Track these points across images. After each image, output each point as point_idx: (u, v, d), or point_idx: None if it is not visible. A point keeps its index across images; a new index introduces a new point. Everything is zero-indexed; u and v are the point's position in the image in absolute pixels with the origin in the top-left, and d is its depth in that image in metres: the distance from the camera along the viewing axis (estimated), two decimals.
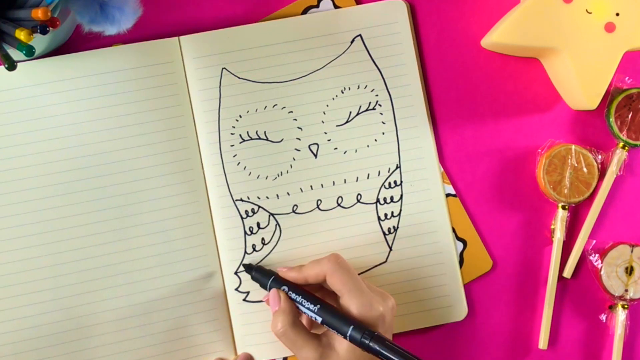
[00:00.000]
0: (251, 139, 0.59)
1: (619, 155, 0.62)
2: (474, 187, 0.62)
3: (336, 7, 0.61)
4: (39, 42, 0.54)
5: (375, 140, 0.60)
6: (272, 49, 0.60)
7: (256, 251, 0.59)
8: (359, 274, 0.55)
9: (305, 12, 0.61)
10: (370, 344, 0.49)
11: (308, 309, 0.53)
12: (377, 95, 0.60)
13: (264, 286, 0.56)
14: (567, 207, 0.61)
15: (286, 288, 0.54)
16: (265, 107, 0.59)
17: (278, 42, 0.60)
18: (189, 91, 0.59)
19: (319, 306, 0.52)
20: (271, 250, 0.59)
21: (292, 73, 0.60)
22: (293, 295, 0.54)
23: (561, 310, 0.62)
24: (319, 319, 0.52)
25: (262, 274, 0.56)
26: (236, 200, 0.59)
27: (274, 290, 0.54)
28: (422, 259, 0.60)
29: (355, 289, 0.51)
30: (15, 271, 0.56)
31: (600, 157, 0.62)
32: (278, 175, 0.59)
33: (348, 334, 0.50)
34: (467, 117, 0.62)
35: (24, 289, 0.56)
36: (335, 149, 0.60)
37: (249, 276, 0.58)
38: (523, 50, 0.61)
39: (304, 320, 0.55)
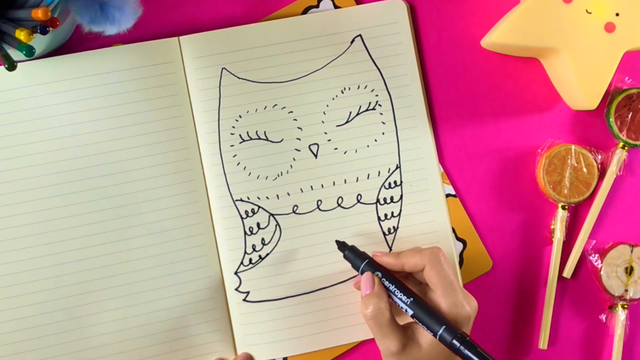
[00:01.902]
0: (251, 139, 0.59)
1: (619, 155, 0.62)
2: (474, 187, 0.62)
3: (336, 7, 0.61)
4: (39, 42, 0.54)
5: (375, 140, 0.60)
6: (272, 49, 0.60)
7: (256, 251, 0.59)
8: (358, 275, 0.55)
9: (305, 12, 0.61)
10: (461, 347, 0.49)
11: (400, 299, 0.52)
12: (377, 95, 0.60)
13: (355, 267, 0.55)
14: (567, 207, 0.61)
15: (380, 274, 0.53)
16: (265, 107, 0.59)
17: (278, 42, 0.60)
18: (188, 91, 0.59)
19: (412, 299, 0.52)
20: (271, 251, 0.59)
21: (292, 73, 0.60)
22: (386, 283, 0.53)
23: (561, 310, 0.62)
24: (410, 312, 0.51)
25: (355, 255, 0.55)
26: (236, 200, 0.59)
27: (368, 273, 0.54)
28: None
29: (451, 287, 0.51)
30: (15, 271, 0.56)
31: (600, 157, 0.62)
32: (278, 176, 0.59)
33: (439, 334, 0.50)
34: (467, 117, 0.62)
35: (24, 289, 0.56)
36: (336, 149, 0.60)
37: (249, 276, 0.58)
38: (523, 50, 0.61)
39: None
